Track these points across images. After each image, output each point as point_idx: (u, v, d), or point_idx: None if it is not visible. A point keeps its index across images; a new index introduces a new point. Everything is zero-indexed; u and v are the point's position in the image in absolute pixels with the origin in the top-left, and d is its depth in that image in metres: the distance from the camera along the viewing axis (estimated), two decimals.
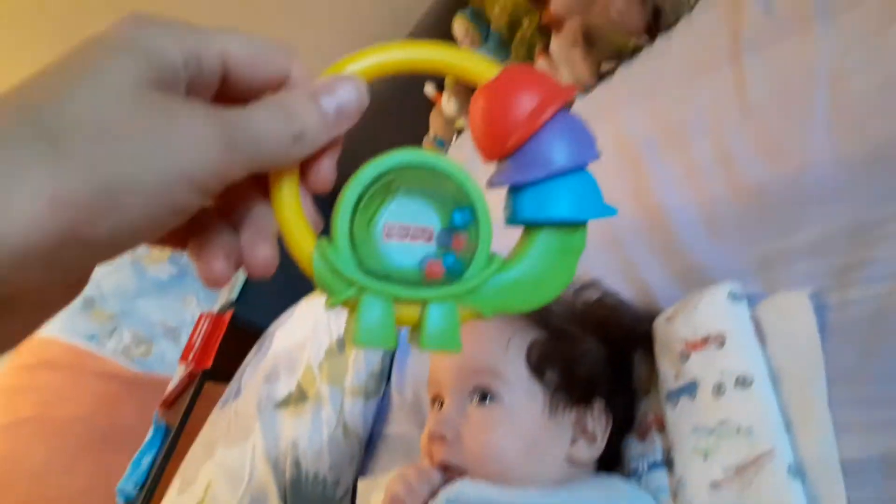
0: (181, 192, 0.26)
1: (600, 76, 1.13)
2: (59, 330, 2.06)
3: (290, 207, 0.32)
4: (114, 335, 2.10)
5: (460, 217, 0.34)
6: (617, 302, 0.74)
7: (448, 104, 1.53)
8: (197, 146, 0.26)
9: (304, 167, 0.32)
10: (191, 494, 1.12)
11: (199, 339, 1.67)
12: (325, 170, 0.32)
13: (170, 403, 1.71)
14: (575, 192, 0.34)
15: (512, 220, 0.36)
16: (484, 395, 0.64)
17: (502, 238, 0.36)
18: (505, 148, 0.34)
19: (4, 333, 0.27)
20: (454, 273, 0.34)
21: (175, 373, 1.89)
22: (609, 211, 0.35)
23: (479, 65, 0.35)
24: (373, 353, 1.12)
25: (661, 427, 0.66)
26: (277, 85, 0.31)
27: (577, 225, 0.35)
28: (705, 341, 0.63)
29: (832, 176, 0.68)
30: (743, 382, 0.59)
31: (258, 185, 0.32)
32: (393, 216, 0.34)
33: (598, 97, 1.11)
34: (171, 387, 1.78)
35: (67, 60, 0.25)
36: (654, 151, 0.91)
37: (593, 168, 0.36)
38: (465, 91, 1.54)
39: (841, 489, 0.51)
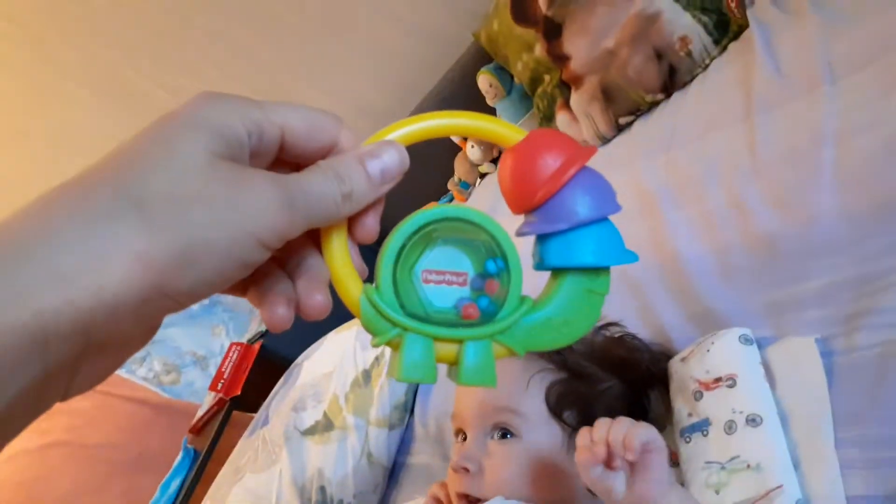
0: (248, 250, 0.29)
1: (618, 129, 1.18)
2: None
3: (340, 258, 0.35)
4: (144, 363, 2.16)
5: (493, 265, 0.37)
6: (636, 342, 0.77)
7: (472, 151, 1.59)
8: (262, 210, 0.29)
9: (352, 221, 0.35)
10: None
11: (228, 368, 1.72)
12: (371, 224, 0.35)
13: (198, 430, 1.75)
14: (598, 240, 0.37)
15: (539, 266, 0.39)
16: (504, 433, 0.68)
17: (531, 279, 0.41)
18: (532, 203, 0.37)
19: (94, 372, 0.30)
20: (488, 315, 0.37)
21: (204, 400, 1.94)
22: (631, 257, 0.38)
23: (507, 130, 0.39)
24: (397, 385, 1.16)
25: (676, 462, 0.69)
26: (328, 151, 0.35)
27: (601, 270, 0.38)
28: (717, 381, 0.67)
29: (839, 229, 0.71)
30: (753, 421, 0.62)
31: (311, 237, 0.35)
32: (431, 263, 0.37)
33: (617, 149, 1.16)
34: (199, 413, 1.82)
35: (146, 137, 0.29)
36: (670, 201, 0.95)
37: (615, 216, 0.40)
38: None
39: None
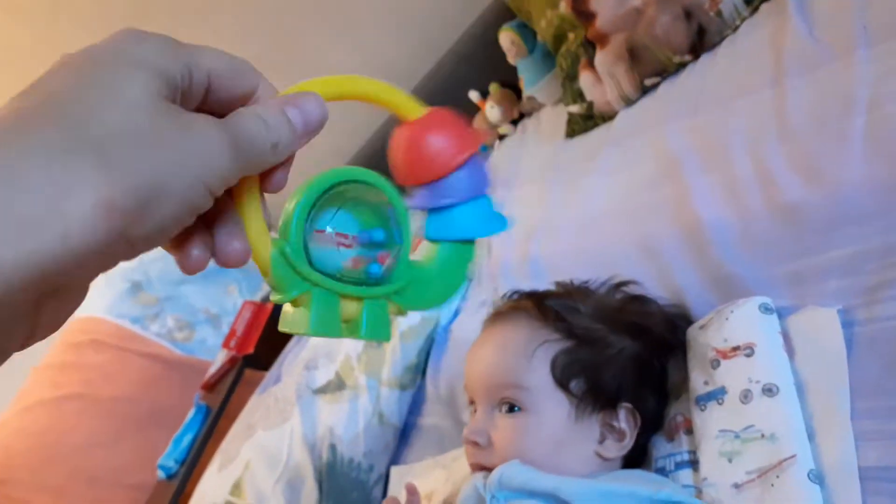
0: (199, 196, 0.30)
1: (644, 90, 1.16)
2: (106, 311, 2.14)
3: (253, 212, 0.36)
4: (158, 319, 2.18)
5: (383, 235, 0.42)
6: (651, 303, 0.76)
7: (492, 111, 1.57)
8: (210, 154, 0.30)
9: (264, 175, 0.36)
10: (230, 472, 1.17)
11: (241, 326, 1.73)
12: (280, 177, 0.36)
13: (211, 386, 1.77)
14: (472, 216, 0.44)
15: (429, 234, 0.46)
16: (511, 407, 0.68)
17: None
18: (421, 179, 0.43)
19: (57, 317, 0.30)
20: (379, 278, 0.42)
21: (216, 357, 1.96)
22: (499, 227, 0.46)
23: (408, 103, 0.43)
24: (409, 348, 1.16)
25: (690, 430, 0.69)
26: (248, 98, 0.35)
27: (470, 240, 0.46)
28: (735, 350, 0.66)
29: (865, 198, 0.70)
30: (770, 391, 0.62)
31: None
32: (336, 225, 0.40)
33: (641, 111, 1.14)
34: (212, 370, 1.84)
35: (82, 75, 0.28)
36: (695, 165, 0.93)
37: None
38: (509, 99, 1.58)
39: (857, 496, 0.54)
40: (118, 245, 0.27)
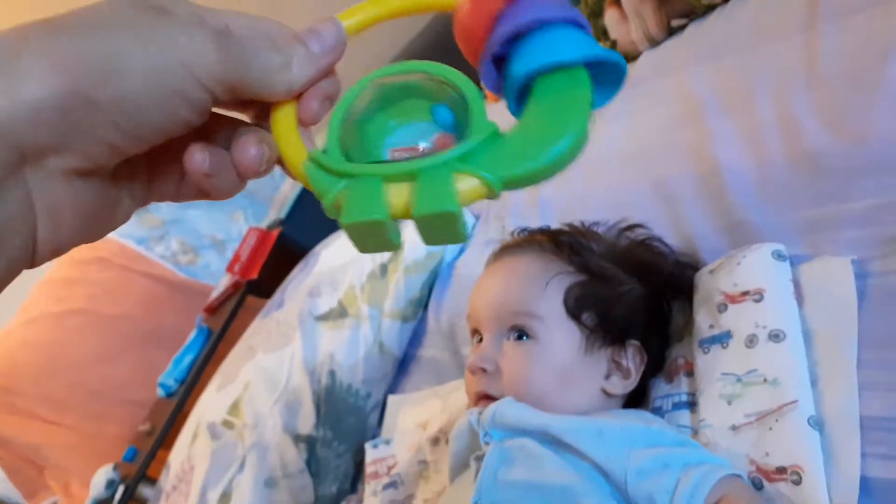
0: (183, 80, 0.30)
1: (670, 31, 1.12)
2: None
3: (286, 131, 0.35)
4: (162, 241, 2.18)
5: (444, 113, 0.35)
6: (661, 247, 0.76)
7: None
8: (192, 42, 0.30)
9: (299, 104, 0.36)
10: (229, 392, 1.19)
11: (246, 252, 1.73)
12: (314, 107, 0.36)
13: (213, 309, 1.79)
14: (568, 38, 0.33)
15: (510, 88, 0.34)
16: (521, 334, 0.67)
17: None
18: (489, 24, 0.33)
19: (62, 217, 0.32)
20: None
21: (219, 282, 1.97)
22: (612, 55, 0.33)
23: None
24: (413, 281, 1.16)
25: (690, 372, 0.69)
26: None
27: (578, 72, 0.32)
28: (744, 295, 0.65)
29: (892, 150, 0.68)
30: (776, 337, 0.61)
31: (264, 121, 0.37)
32: (397, 140, 0.36)
33: (666, 52, 1.10)
34: (215, 294, 1.85)
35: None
36: (717, 110, 0.91)
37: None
38: None
39: (857, 444, 0.54)
40: (83, 107, 0.28)
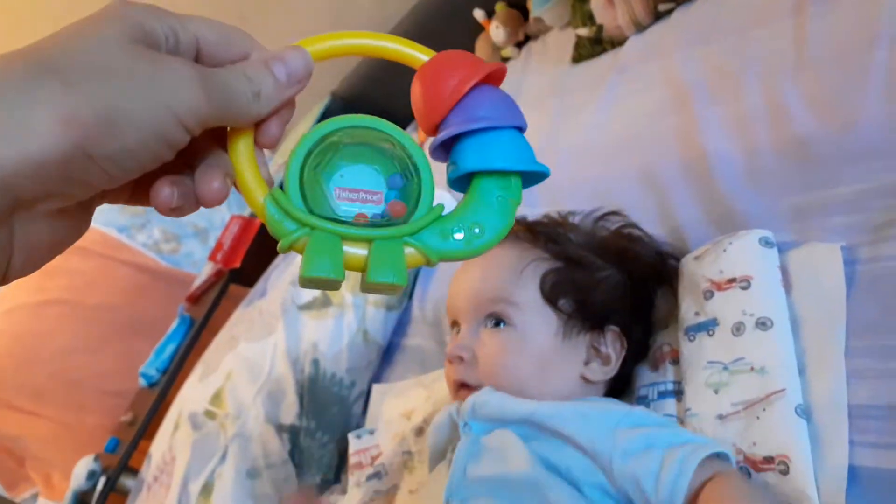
0: (170, 127, 0.31)
1: (657, 16, 1.11)
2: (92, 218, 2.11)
3: (246, 160, 0.36)
4: (144, 229, 2.15)
5: (400, 179, 0.38)
6: (638, 233, 0.75)
7: (496, 32, 1.50)
8: (180, 86, 0.31)
9: (257, 128, 0.37)
10: (211, 382, 1.17)
11: (228, 240, 1.71)
12: (274, 130, 0.37)
13: (195, 298, 1.76)
14: (509, 147, 0.38)
15: (454, 172, 0.39)
16: (498, 322, 0.67)
17: None
18: (442, 110, 0.38)
19: (30, 249, 0.32)
20: (387, 219, 0.37)
21: (202, 271, 1.94)
22: (541, 167, 0.38)
23: (414, 50, 0.40)
24: None
25: (675, 360, 0.68)
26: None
27: (512, 176, 0.38)
28: (731, 282, 0.64)
29: (879, 135, 0.67)
30: (763, 325, 0.60)
31: (218, 142, 0.37)
32: (344, 181, 0.37)
33: (653, 37, 1.09)
34: (197, 283, 1.83)
35: (66, 28, 0.30)
36: (704, 95, 0.90)
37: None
38: (515, 20, 1.51)
39: (845, 432, 0.53)
40: (83, 161, 0.29)
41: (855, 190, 0.66)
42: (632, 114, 1.01)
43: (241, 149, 0.36)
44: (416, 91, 0.39)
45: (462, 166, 0.38)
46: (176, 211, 0.35)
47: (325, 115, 1.78)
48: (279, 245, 0.35)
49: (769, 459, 0.54)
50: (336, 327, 1.10)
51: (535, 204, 1.05)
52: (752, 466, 0.55)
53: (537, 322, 0.66)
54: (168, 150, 0.32)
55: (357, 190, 0.37)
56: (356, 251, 0.35)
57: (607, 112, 1.07)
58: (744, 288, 0.63)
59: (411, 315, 1.13)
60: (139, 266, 2.06)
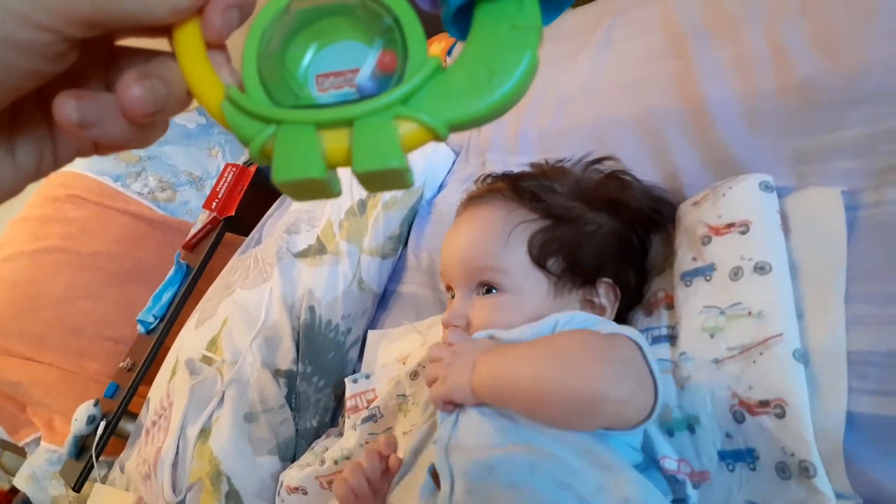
0: (19, 31, 0.26)
1: None
2: (86, 166, 2.08)
3: (192, 58, 0.30)
4: (139, 178, 2.13)
5: (383, 41, 0.30)
6: (629, 178, 0.73)
7: None
8: None
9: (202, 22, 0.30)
10: (208, 328, 1.17)
11: (223, 188, 1.69)
12: (216, 20, 0.29)
13: (191, 246, 1.75)
14: None
15: (449, 7, 0.30)
16: (489, 289, 0.66)
17: None
18: None
19: None
20: (373, 91, 0.29)
21: (197, 219, 1.93)
22: None
23: None
24: (392, 217, 1.14)
25: (670, 305, 0.68)
26: None
27: None
28: (729, 227, 0.64)
29: (885, 78, 0.66)
30: (762, 269, 0.60)
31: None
32: (323, 65, 0.30)
33: None
34: (193, 231, 1.82)
35: None
36: (704, 40, 0.88)
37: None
38: None
39: (843, 378, 0.53)
40: None
41: (859, 134, 0.65)
42: (629, 58, 0.99)
43: (185, 46, 0.30)
44: None
45: None
46: (91, 129, 0.29)
47: None
48: (251, 153, 0.29)
49: (765, 403, 0.54)
50: (331, 275, 1.09)
51: (530, 152, 1.03)
52: (747, 410, 0.55)
53: (528, 285, 0.65)
54: (28, 57, 0.27)
55: (342, 72, 0.29)
56: (337, 140, 0.28)
57: (604, 56, 1.05)
58: (742, 233, 0.62)
59: (406, 262, 1.13)
60: (135, 214, 2.05)
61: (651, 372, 0.53)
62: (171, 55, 0.31)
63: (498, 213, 0.69)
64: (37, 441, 1.87)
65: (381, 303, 1.12)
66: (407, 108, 0.28)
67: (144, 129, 0.31)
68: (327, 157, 0.28)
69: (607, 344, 0.55)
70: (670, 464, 0.58)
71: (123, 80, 0.29)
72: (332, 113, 0.28)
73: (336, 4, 0.30)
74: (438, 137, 0.28)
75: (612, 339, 0.55)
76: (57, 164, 0.32)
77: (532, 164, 0.78)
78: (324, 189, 0.29)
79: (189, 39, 0.30)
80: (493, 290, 0.66)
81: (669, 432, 0.60)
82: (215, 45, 0.31)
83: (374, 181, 0.28)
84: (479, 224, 0.70)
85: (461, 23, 0.30)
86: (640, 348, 0.54)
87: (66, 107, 0.28)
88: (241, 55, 0.30)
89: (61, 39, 0.27)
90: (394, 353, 0.96)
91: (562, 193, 0.70)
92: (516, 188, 0.70)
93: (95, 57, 0.31)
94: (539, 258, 0.65)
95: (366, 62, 0.29)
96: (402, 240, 1.15)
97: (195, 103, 0.32)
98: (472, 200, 0.74)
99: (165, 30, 0.30)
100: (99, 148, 0.33)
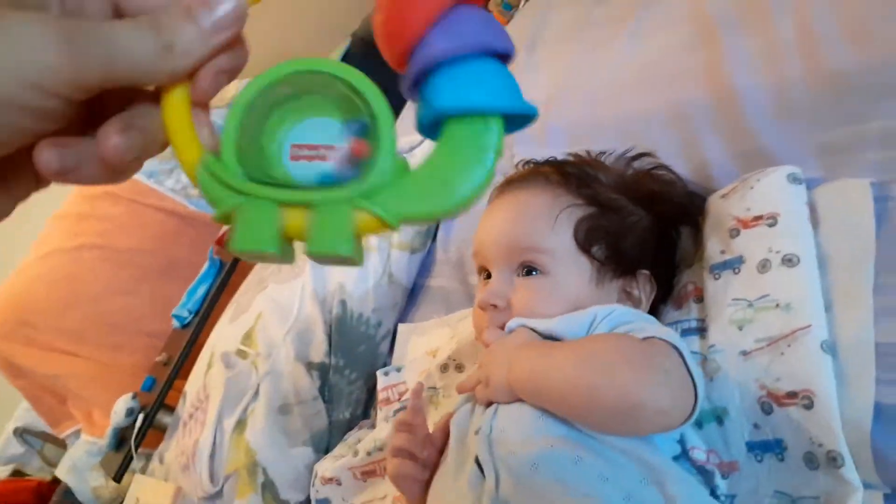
0: (27, 94, 0.27)
1: None
2: None
3: (178, 118, 0.32)
4: (172, 174, 2.16)
5: (358, 125, 0.32)
6: (670, 175, 0.74)
7: None
8: (28, 47, 0.27)
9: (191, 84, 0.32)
10: (242, 322, 1.19)
11: None
12: (206, 83, 0.32)
13: (225, 242, 1.79)
14: (488, 80, 0.31)
15: (424, 116, 0.32)
16: (531, 270, 0.66)
17: None
18: (417, 31, 0.31)
19: None
20: (334, 179, 0.32)
21: None
22: (528, 108, 0.32)
23: None
24: None
25: (699, 298, 0.68)
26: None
27: (491, 120, 0.31)
28: (758, 219, 0.64)
29: None
30: (790, 261, 0.60)
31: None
32: (300, 136, 0.32)
33: None
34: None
35: None
36: (732, 28, 0.87)
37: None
38: None
39: (871, 370, 0.53)
40: None
41: (889, 125, 0.64)
42: (658, 48, 0.98)
43: (172, 105, 0.32)
44: (383, 15, 0.32)
45: (434, 104, 0.31)
46: (69, 175, 0.31)
47: (344, 60, 1.75)
48: (214, 216, 0.32)
49: (792, 395, 0.54)
50: (362, 269, 1.11)
51: (559, 145, 1.04)
52: (774, 401, 0.55)
53: (571, 269, 0.65)
54: (33, 119, 0.28)
55: (316, 146, 0.32)
56: (296, 217, 0.30)
57: (632, 47, 1.04)
58: (770, 225, 0.63)
59: (435, 257, 1.14)
60: (168, 211, 2.09)
61: (692, 376, 0.53)
62: (152, 103, 0.32)
63: (544, 196, 0.69)
64: (77, 433, 1.92)
65: (411, 297, 1.14)
66: (367, 202, 0.30)
67: (118, 172, 0.33)
68: (284, 231, 0.31)
69: (647, 352, 0.54)
70: (699, 454, 0.58)
71: (105, 131, 0.31)
72: (295, 195, 0.31)
73: (322, 90, 0.32)
74: (390, 230, 0.31)
75: (652, 347, 0.54)
76: (13, 205, 0.34)
77: (573, 154, 0.78)
78: (277, 259, 0.31)
79: (177, 98, 0.32)
80: (535, 272, 0.66)
81: (698, 424, 0.60)
82: (199, 105, 0.33)
83: (324, 259, 0.31)
84: (523, 205, 0.70)
85: (433, 127, 0.32)
86: (680, 353, 0.54)
87: (48, 157, 0.30)
88: (223, 122, 0.32)
89: (69, 104, 0.29)
90: (424, 346, 0.98)
91: (606, 184, 0.70)
92: (563, 172, 0.71)
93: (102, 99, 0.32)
94: (585, 243, 0.66)
95: (339, 144, 0.32)
96: (431, 234, 1.17)
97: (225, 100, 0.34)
98: (513, 183, 0.74)
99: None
100: (63, 181, 0.34)
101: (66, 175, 0.31)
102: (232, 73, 0.33)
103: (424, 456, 0.64)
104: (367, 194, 0.30)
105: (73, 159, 0.31)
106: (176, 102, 0.32)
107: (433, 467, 0.64)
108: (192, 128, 0.32)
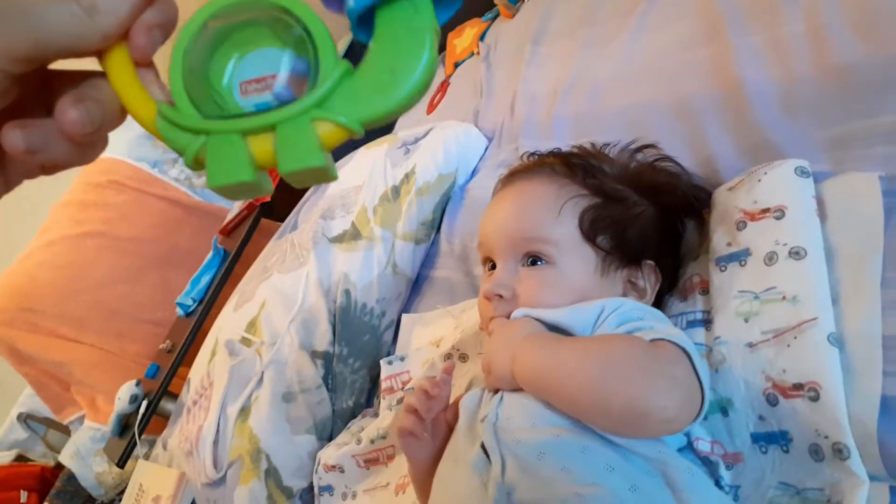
0: None
1: None
2: (125, 153, 2.14)
3: (124, 79, 0.32)
4: (176, 164, 2.17)
5: (303, 63, 0.33)
6: (674, 167, 0.74)
7: None
8: None
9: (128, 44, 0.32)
10: (246, 311, 1.20)
11: None
12: (141, 40, 0.32)
13: (228, 232, 1.79)
14: None
15: (351, 11, 0.32)
16: (536, 260, 0.66)
17: None
18: None
19: None
20: (288, 98, 0.32)
21: (234, 204, 1.97)
22: None
23: None
24: (426, 203, 1.15)
25: (705, 290, 0.68)
26: None
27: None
28: (765, 212, 0.64)
29: None
30: (797, 254, 0.60)
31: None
32: (246, 72, 0.33)
33: None
34: (229, 216, 1.86)
35: None
36: (740, 22, 0.87)
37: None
38: None
39: (878, 363, 0.53)
40: None
41: None
42: (665, 42, 0.98)
43: (115, 68, 0.32)
44: None
45: (352, 4, 0.31)
46: (38, 154, 0.31)
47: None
48: (185, 162, 0.33)
49: (798, 386, 0.54)
50: (366, 259, 1.11)
51: (564, 137, 1.04)
52: (780, 393, 0.55)
53: (576, 260, 0.66)
54: None
55: (262, 78, 0.32)
56: (262, 144, 0.31)
57: (638, 41, 1.04)
58: (777, 218, 0.63)
59: (439, 248, 1.14)
60: (172, 200, 2.10)
61: (699, 381, 0.53)
62: (102, 75, 0.33)
63: (549, 186, 0.69)
64: (81, 419, 1.94)
65: (415, 288, 1.14)
66: (323, 110, 0.31)
67: (86, 147, 0.33)
68: (255, 160, 0.32)
69: (656, 357, 0.54)
70: (704, 445, 0.59)
71: (60, 106, 0.31)
72: (255, 121, 0.32)
73: (249, 19, 0.33)
74: (354, 134, 0.31)
75: (661, 351, 0.54)
76: (7, 189, 0.35)
77: (577, 146, 0.78)
78: (255, 189, 0.32)
79: (118, 61, 0.32)
80: (540, 262, 0.66)
81: (703, 415, 0.60)
82: (143, 64, 0.33)
83: (299, 179, 0.32)
84: (528, 195, 0.70)
85: (366, 26, 0.32)
86: (689, 356, 0.54)
87: (13, 136, 0.30)
88: (167, 73, 0.33)
89: (3, 78, 0.29)
90: (427, 336, 0.98)
91: (610, 175, 0.71)
92: (569, 163, 0.71)
93: (32, 84, 0.33)
94: (590, 233, 0.66)
95: (281, 69, 0.32)
96: (436, 225, 1.17)
97: None
98: (518, 175, 0.74)
99: (96, 52, 0.32)
100: (45, 169, 0.35)
101: (36, 154, 0.31)
102: (165, 28, 0.32)
103: (434, 419, 0.65)
104: (322, 102, 0.31)
105: (40, 139, 0.31)
106: (118, 65, 0.32)
107: (441, 441, 0.64)
108: (139, 85, 0.33)
